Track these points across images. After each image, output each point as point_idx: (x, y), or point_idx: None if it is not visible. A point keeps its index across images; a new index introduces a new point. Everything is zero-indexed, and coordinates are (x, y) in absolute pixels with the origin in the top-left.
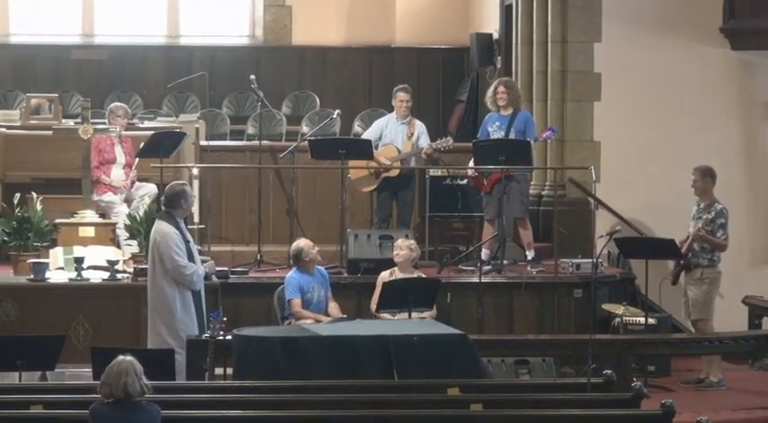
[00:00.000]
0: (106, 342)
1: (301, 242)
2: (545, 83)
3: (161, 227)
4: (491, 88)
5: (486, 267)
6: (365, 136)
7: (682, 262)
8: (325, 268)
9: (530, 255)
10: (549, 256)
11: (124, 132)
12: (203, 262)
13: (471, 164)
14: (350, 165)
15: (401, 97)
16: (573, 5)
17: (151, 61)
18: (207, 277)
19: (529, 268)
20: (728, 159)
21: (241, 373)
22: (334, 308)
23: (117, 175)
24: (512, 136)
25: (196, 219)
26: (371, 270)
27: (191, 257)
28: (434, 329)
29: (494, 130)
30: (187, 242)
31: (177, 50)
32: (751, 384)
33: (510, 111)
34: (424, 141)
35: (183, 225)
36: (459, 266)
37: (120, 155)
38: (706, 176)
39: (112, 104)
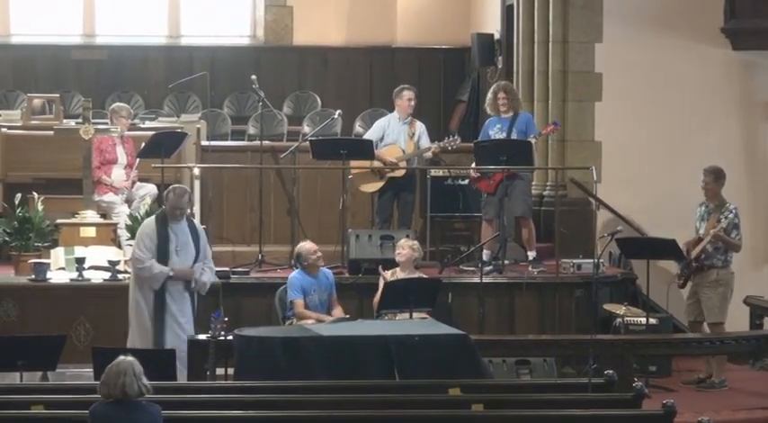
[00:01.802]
0: (107, 342)
1: (303, 246)
2: (546, 83)
3: (145, 222)
4: (490, 94)
5: (488, 268)
6: (367, 136)
7: (694, 265)
8: (326, 268)
9: (531, 255)
10: (551, 256)
11: (126, 133)
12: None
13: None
14: (352, 165)
15: (409, 96)
16: (574, 5)
17: (152, 61)
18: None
19: (530, 268)
20: (729, 159)
21: (242, 373)
22: (338, 313)
23: (118, 175)
24: (513, 137)
25: (197, 219)
26: (373, 270)
27: (163, 256)
28: (435, 330)
29: (495, 133)
30: (167, 242)
31: (178, 50)
32: (752, 385)
33: (510, 114)
34: (425, 141)
35: (177, 226)
36: (461, 267)
37: (121, 155)
38: (718, 179)
39: (115, 104)
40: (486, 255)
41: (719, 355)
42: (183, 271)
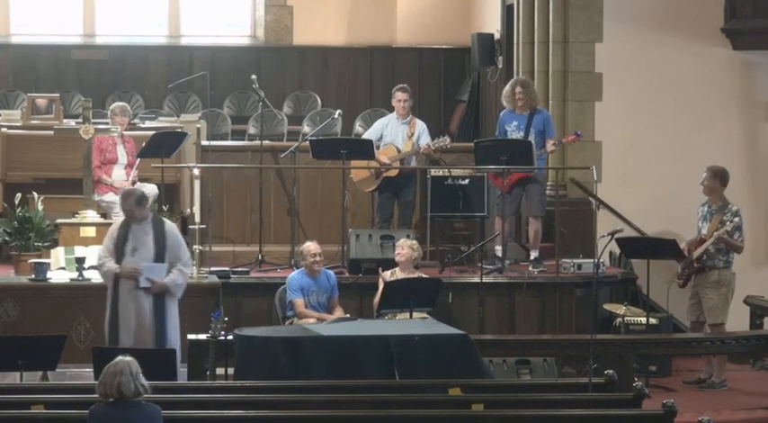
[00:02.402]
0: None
1: (306, 246)
2: (546, 83)
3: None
4: (508, 87)
5: (496, 266)
6: (366, 136)
7: (696, 265)
8: (327, 268)
9: (533, 254)
10: (551, 256)
11: (126, 132)
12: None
13: None
14: (351, 165)
15: (399, 97)
16: (574, 5)
17: (152, 61)
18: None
19: (530, 268)
20: (729, 159)
21: (242, 372)
22: (338, 314)
23: (118, 175)
24: (531, 136)
25: (197, 219)
26: (373, 270)
27: (120, 256)
28: (436, 329)
29: (512, 130)
30: (124, 243)
31: (178, 50)
32: (752, 384)
33: (527, 111)
34: (425, 141)
35: (138, 226)
36: (481, 264)
37: (122, 155)
38: (715, 177)
39: (113, 104)
40: (498, 250)
41: (720, 355)
42: (128, 268)
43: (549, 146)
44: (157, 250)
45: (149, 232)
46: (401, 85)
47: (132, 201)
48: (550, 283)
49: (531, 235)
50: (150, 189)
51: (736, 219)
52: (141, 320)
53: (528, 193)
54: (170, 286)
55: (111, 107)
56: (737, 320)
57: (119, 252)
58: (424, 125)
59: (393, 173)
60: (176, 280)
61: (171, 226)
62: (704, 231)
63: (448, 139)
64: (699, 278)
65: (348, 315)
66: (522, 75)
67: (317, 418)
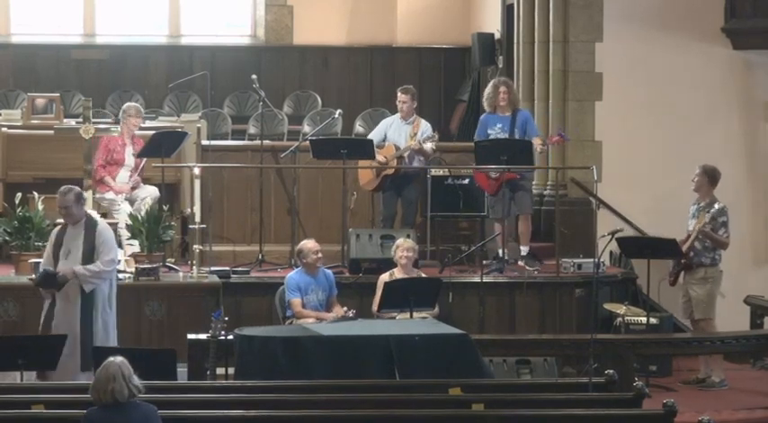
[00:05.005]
0: None
1: (305, 243)
2: (547, 82)
3: None
4: (489, 88)
5: (497, 265)
6: (370, 135)
7: (683, 261)
8: (327, 268)
9: (524, 250)
10: (551, 255)
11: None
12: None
13: None
14: (351, 165)
15: (400, 98)
16: (574, 5)
17: (152, 61)
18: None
19: (522, 263)
20: (730, 158)
21: (242, 372)
22: (337, 311)
23: (122, 178)
24: (516, 136)
25: (197, 218)
26: (373, 270)
27: (56, 260)
28: (436, 329)
29: (496, 132)
30: (59, 248)
31: (179, 50)
32: (752, 384)
33: (509, 111)
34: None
35: (73, 229)
36: (483, 262)
37: (129, 157)
38: (704, 175)
39: (126, 104)
40: (504, 253)
41: (719, 354)
42: (64, 271)
43: (538, 146)
44: (85, 251)
45: (81, 234)
46: (404, 87)
47: (71, 196)
48: (550, 282)
49: (521, 231)
50: (151, 191)
51: (714, 211)
52: (69, 322)
53: (515, 195)
54: (78, 274)
55: (123, 107)
56: (737, 320)
57: (55, 257)
58: (429, 125)
59: (391, 171)
60: (84, 270)
61: (104, 227)
62: (691, 228)
63: (436, 136)
64: (687, 275)
65: (346, 308)
66: (522, 74)
67: (317, 418)
